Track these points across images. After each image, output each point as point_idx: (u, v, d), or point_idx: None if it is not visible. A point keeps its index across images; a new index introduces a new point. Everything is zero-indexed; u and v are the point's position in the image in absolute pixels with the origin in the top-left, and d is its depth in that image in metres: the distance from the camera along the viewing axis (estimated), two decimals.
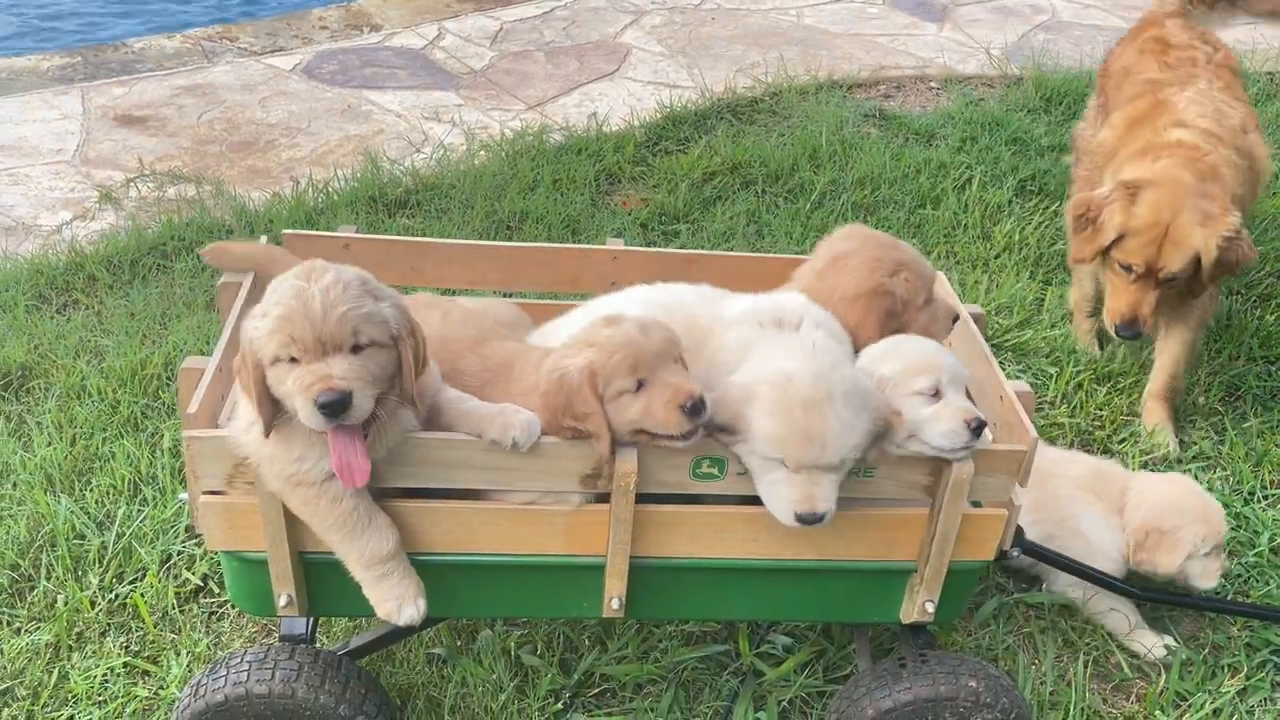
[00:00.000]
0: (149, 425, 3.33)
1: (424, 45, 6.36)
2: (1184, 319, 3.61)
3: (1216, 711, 2.69)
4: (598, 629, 2.79)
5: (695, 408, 1.91)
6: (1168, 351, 3.66)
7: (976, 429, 2.03)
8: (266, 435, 1.88)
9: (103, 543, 2.93)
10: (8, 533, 2.95)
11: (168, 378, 3.50)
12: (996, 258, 4.41)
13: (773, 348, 2.07)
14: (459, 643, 2.74)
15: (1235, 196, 3.42)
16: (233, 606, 2.82)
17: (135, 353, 3.59)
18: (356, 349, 1.86)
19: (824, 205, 4.71)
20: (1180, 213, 3.29)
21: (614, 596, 2.17)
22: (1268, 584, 3.07)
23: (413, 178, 4.83)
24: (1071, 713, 2.66)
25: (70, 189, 4.76)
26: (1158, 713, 2.69)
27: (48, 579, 2.85)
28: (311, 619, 2.43)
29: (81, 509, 3.02)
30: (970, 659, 2.30)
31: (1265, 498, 3.35)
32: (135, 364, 3.53)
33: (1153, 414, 3.62)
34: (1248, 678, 2.79)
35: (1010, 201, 4.77)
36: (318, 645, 2.41)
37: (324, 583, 2.16)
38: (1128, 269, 3.38)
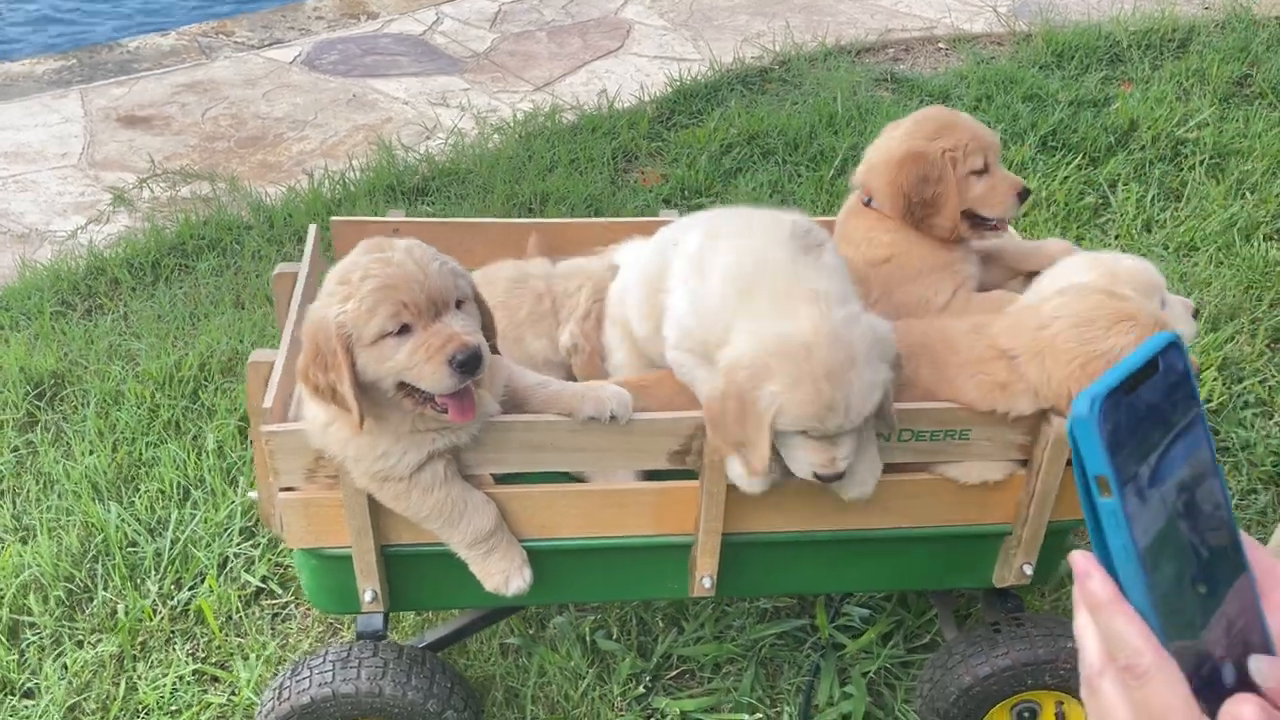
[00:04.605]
0: (190, 428, 3.26)
1: (423, 30, 6.26)
2: None
3: None
4: (671, 610, 2.73)
5: None
6: None
7: (1196, 313, 2.19)
8: (361, 427, 1.79)
9: (157, 549, 2.87)
10: (59, 544, 2.87)
11: (204, 379, 3.43)
12: (1025, 215, 4.35)
13: (768, 306, 1.84)
14: (531, 631, 2.68)
15: None
16: (298, 606, 2.76)
17: (168, 354, 3.51)
18: (459, 304, 1.80)
19: (847, 172, 4.60)
20: None
21: (705, 575, 2.11)
22: None
23: (428, 164, 4.75)
24: None
25: (80, 193, 4.66)
26: None
27: (105, 589, 2.79)
28: (385, 615, 2.38)
29: (132, 515, 2.95)
30: (1067, 621, 2.26)
31: None
32: (169, 366, 3.45)
33: None
34: None
35: (1033, 158, 4.71)
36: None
37: (403, 577, 2.11)
38: None
